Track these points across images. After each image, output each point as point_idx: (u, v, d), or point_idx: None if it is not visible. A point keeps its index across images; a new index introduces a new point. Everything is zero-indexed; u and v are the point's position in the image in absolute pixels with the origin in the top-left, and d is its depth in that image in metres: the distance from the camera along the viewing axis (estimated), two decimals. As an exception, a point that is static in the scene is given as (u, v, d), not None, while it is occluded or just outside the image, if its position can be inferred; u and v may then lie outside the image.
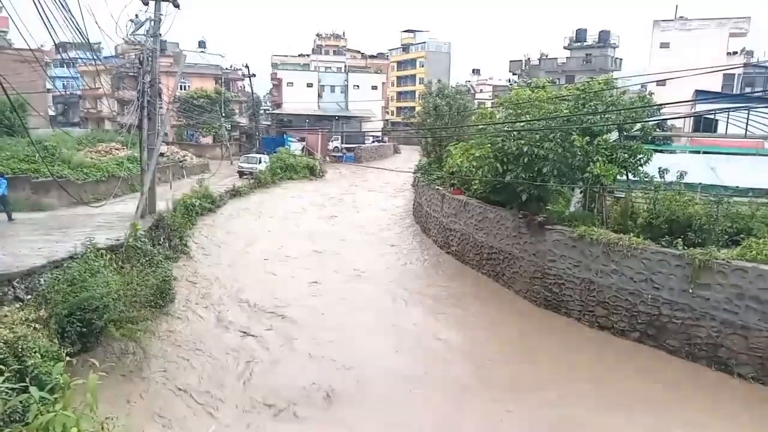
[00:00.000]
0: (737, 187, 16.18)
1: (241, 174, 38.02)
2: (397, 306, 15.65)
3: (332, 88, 68.52)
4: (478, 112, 26.53)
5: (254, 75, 50.87)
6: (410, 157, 45.68)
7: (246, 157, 41.42)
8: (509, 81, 34.64)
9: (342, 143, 59.47)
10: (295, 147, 50.75)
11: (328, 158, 54.55)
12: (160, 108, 20.52)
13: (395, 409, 10.10)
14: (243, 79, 61.57)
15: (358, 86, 69.28)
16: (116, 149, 30.56)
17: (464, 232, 19.76)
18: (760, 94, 37.26)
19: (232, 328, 13.44)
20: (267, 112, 70.02)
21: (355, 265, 19.34)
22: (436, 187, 23.61)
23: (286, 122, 62.21)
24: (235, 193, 32.25)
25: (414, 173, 32.11)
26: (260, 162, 39.67)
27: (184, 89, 52.90)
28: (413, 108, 69.16)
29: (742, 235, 12.79)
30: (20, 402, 4.07)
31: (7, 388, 4.33)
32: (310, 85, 66.89)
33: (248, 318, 14.16)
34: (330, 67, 75.47)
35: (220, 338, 12.77)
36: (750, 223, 13.54)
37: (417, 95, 71.91)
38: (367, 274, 18.42)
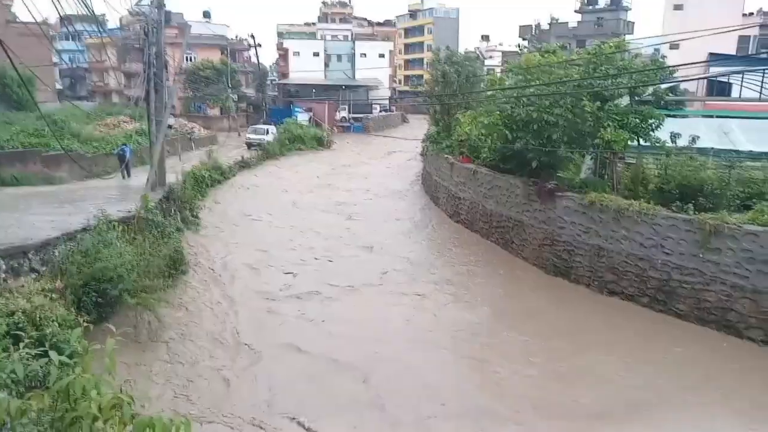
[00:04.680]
0: (750, 151, 15.95)
1: (249, 145, 37.96)
2: (407, 272, 15.79)
3: (339, 57, 67.71)
4: (487, 79, 26.18)
5: (260, 45, 50.44)
6: (419, 126, 45.26)
7: (253, 129, 41.31)
8: (518, 47, 33.93)
9: (349, 113, 59.04)
10: (303, 118, 50.47)
11: (335, 128, 54.23)
12: (167, 80, 20.41)
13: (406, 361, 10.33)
14: (249, 50, 60.98)
15: (365, 55, 68.35)
16: (124, 122, 30.59)
17: (473, 200, 19.72)
18: (776, 55, 36.36)
19: (245, 297, 13.63)
20: (273, 82, 69.45)
21: (365, 235, 19.44)
22: (445, 155, 23.49)
23: (292, 93, 61.75)
24: (244, 164, 32.28)
25: (423, 142, 31.91)
26: (268, 133, 39.55)
27: (190, 61, 52.51)
28: (421, 76, 68.35)
29: (754, 200, 12.66)
30: (40, 367, 4.17)
31: (27, 353, 4.45)
32: (316, 55, 66.15)
33: (260, 287, 14.34)
34: (336, 36, 74.44)
35: (230, 307, 12.96)
36: (763, 187, 13.39)
37: (425, 63, 70.92)
38: (377, 245, 18.49)
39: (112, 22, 49.92)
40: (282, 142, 39.67)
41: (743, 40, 46.38)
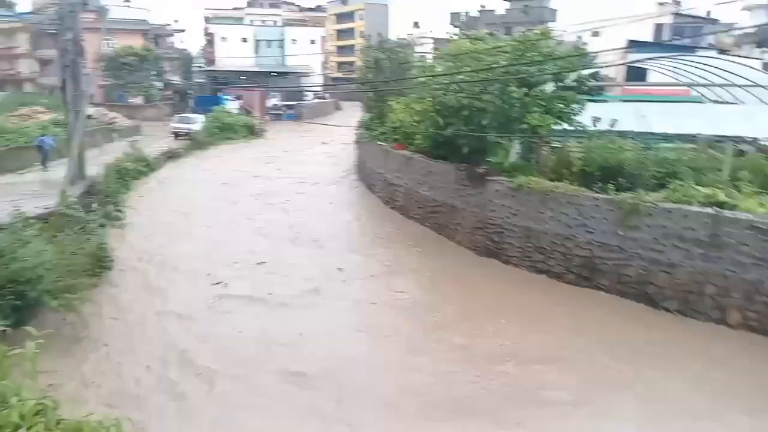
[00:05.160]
0: (665, 133, 16.91)
1: (176, 135, 36.68)
2: (341, 258, 15.85)
3: (269, 43, 66.24)
4: (419, 66, 26.40)
5: (184, 30, 48.55)
6: (352, 113, 45.15)
7: (180, 117, 39.90)
8: (448, 34, 34.39)
9: (281, 101, 58.01)
10: (232, 105, 49.14)
11: (267, 116, 53.20)
12: (84, 68, 19.31)
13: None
14: (173, 35, 58.59)
15: (295, 41, 67.24)
16: (39, 113, 28.76)
17: (408, 187, 19.94)
18: (687, 42, 38.72)
19: (167, 293, 13.18)
20: (201, 69, 67.15)
21: (297, 223, 19.29)
22: (379, 143, 23.57)
23: (220, 80, 59.93)
24: (171, 155, 31.17)
25: (356, 129, 31.91)
26: (195, 122, 38.33)
27: (110, 46, 49.86)
28: (353, 63, 68.01)
29: (668, 179, 13.47)
30: (-48, 376, 3.92)
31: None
32: (245, 40, 64.46)
33: (185, 282, 13.89)
34: (266, 21, 72.74)
35: (153, 305, 12.52)
36: (676, 167, 14.28)
37: (357, 50, 70.58)
38: (310, 231, 18.40)
39: (24, 6, 46.63)
40: (211, 132, 38.55)
41: (658, 28, 49.01)
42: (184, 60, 53.53)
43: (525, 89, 14.88)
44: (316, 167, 30.43)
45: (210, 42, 65.54)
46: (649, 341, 10.78)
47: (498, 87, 15.08)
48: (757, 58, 41.55)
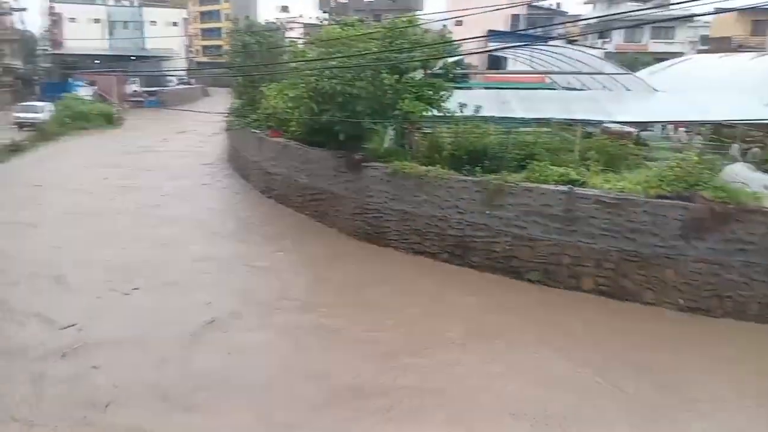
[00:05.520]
0: (523, 118, 18.24)
1: (20, 126, 32.96)
2: (216, 249, 15.42)
3: (125, 24, 61.34)
4: (291, 51, 25.95)
5: (25, 9, 43.43)
6: (222, 99, 43.36)
7: (23, 106, 35.90)
8: (319, 19, 34.17)
9: (142, 86, 54.16)
10: (85, 92, 45.11)
11: (126, 104, 49.44)
12: None
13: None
14: (11, 14, 52.06)
15: (155, 22, 62.97)
16: None
17: (286, 175, 19.65)
18: (540, 33, 41.86)
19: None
20: (46, 53, 60.53)
21: (169, 215, 18.27)
22: (253, 130, 22.91)
23: (70, 64, 54.45)
24: (15, 148, 27.94)
25: (227, 116, 30.70)
26: (42, 111, 34.68)
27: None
28: (220, 46, 65.20)
29: (527, 161, 14.59)
30: None
31: None
32: (97, 21, 59.08)
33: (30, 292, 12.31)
34: (120, 1, 67.16)
35: None
36: (534, 149, 15.54)
37: (224, 33, 67.65)
38: (184, 224, 17.51)
39: None
40: (61, 121, 35.06)
41: (515, 19, 52.46)
42: (26, 42, 47.82)
43: (396, 76, 15.23)
44: (183, 158, 28.81)
45: (56, 22, 59.18)
46: (502, 303, 12.15)
47: (370, 74, 15.29)
48: (599, 48, 46.15)
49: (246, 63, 28.04)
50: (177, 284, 13.07)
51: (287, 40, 32.82)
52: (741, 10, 42.18)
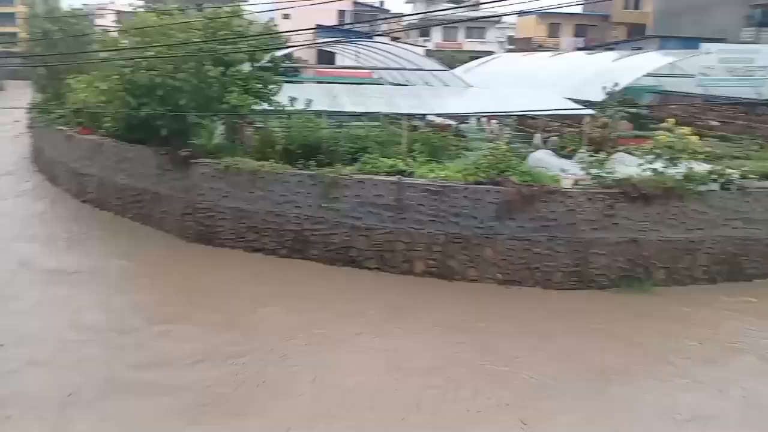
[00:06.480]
0: (353, 112, 18.67)
1: None
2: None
3: None
4: (101, 40, 23.60)
5: None
6: (21, 94, 37.93)
7: None
8: (132, 6, 31.48)
9: None
10: None
11: None
12: None
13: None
14: None
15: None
16: None
17: (102, 176, 17.90)
18: (366, 29, 43.14)
19: None
20: None
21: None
22: (59, 127, 20.49)
23: None
24: None
25: (28, 112, 27.06)
26: None
27: None
28: (15, 34, 57.17)
29: (359, 153, 15.00)
30: None
31: None
32: None
33: None
34: None
35: None
36: (365, 142, 16.02)
37: (19, 18, 59.37)
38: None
39: None
40: None
41: (341, 14, 53.37)
42: None
43: (221, 68, 14.65)
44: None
45: None
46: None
47: (193, 65, 14.52)
48: (421, 45, 48.89)
49: (48, 53, 24.91)
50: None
51: (97, 28, 29.83)
52: (539, 14, 47.86)
